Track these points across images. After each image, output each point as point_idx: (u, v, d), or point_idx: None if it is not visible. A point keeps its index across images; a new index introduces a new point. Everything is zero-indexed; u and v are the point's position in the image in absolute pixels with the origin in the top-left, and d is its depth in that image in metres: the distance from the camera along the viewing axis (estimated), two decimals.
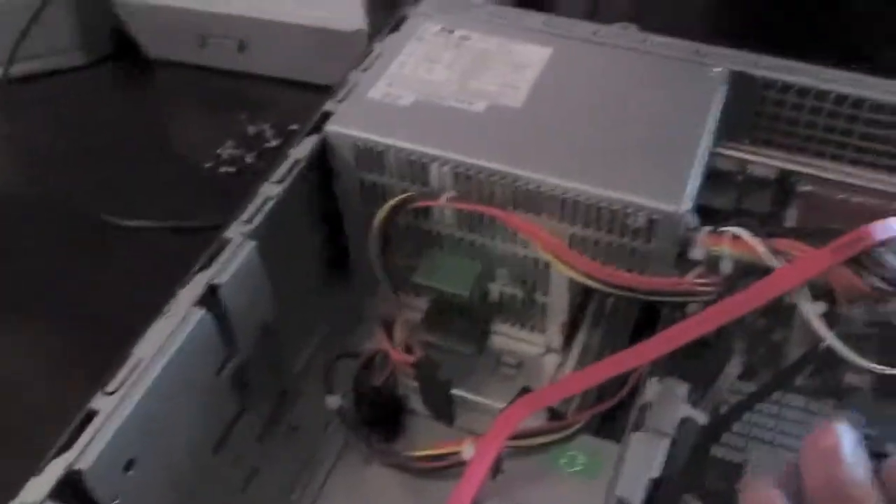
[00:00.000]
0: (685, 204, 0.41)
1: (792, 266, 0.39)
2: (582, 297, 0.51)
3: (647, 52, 0.49)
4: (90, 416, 0.35)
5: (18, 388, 0.54)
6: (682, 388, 0.34)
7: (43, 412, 0.49)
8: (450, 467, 0.43)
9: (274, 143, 0.66)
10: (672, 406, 0.34)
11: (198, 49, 0.73)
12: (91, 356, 0.53)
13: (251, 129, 0.68)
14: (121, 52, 0.76)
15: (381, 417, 0.47)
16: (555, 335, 0.50)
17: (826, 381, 0.47)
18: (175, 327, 0.38)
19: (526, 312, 0.50)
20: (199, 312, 0.39)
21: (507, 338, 0.51)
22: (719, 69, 0.47)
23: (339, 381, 0.48)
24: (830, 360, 0.46)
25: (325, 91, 0.48)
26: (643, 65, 0.48)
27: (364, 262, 0.51)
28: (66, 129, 0.71)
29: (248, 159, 0.65)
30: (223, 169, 0.65)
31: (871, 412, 0.45)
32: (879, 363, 0.40)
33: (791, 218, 0.51)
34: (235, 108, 0.70)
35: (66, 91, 0.74)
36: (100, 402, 0.35)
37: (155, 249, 0.60)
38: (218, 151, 0.66)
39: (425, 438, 0.47)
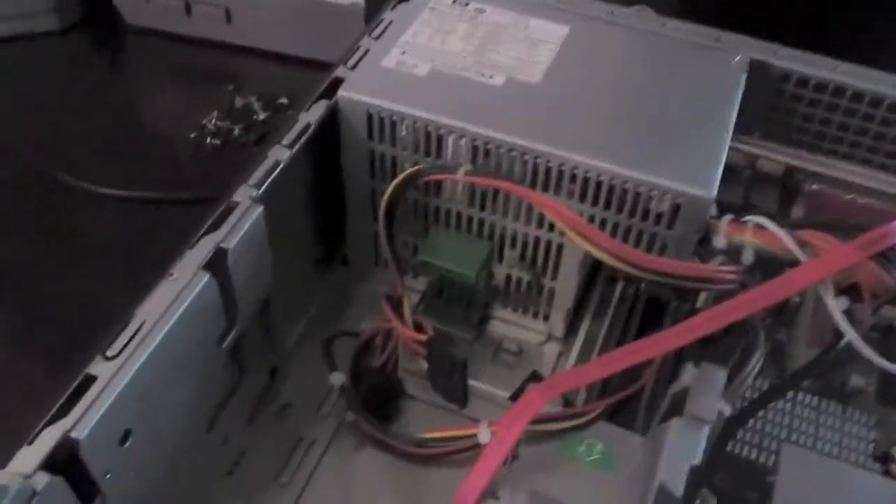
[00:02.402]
0: (713, 189, 0.40)
1: (820, 259, 0.38)
2: (586, 287, 0.49)
3: (666, 36, 0.48)
4: (88, 381, 0.32)
5: None
6: (721, 375, 0.33)
7: None
8: (456, 452, 0.41)
9: (262, 116, 0.64)
10: (711, 392, 0.32)
11: (181, 17, 0.70)
12: (53, 333, 0.50)
13: (238, 102, 0.65)
14: (97, 17, 0.73)
15: (378, 399, 0.45)
16: (558, 323, 0.49)
17: (830, 383, 0.46)
18: (181, 290, 0.35)
19: (530, 298, 0.48)
20: (206, 276, 0.36)
21: (507, 324, 0.50)
22: (739, 57, 0.46)
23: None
24: (837, 361, 0.46)
25: (316, 66, 0.46)
26: (663, 48, 0.47)
27: (360, 240, 0.50)
28: (39, 96, 0.67)
29: (236, 132, 0.62)
30: (209, 140, 0.62)
31: (875, 415, 0.45)
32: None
33: (797, 217, 0.51)
34: (221, 80, 0.67)
35: (40, 56, 0.70)
36: (99, 368, 0.33)
37: (133, 221, 0.57)
38: (203, 122, 0.63)
39: (421, 424, 0.45)
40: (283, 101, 0.64)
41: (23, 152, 0.62)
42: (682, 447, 0.31)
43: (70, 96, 0.67)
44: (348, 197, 0.48)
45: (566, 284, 0.46)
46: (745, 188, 0.51)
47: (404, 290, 0.44)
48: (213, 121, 0.63)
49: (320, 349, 0.46)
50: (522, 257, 0.46)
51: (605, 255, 0.38)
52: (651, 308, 0.49)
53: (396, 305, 0.44)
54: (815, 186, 0.51)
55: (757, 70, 0.47)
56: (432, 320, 0.48)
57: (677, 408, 0.32)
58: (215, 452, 0.42)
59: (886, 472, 0.42)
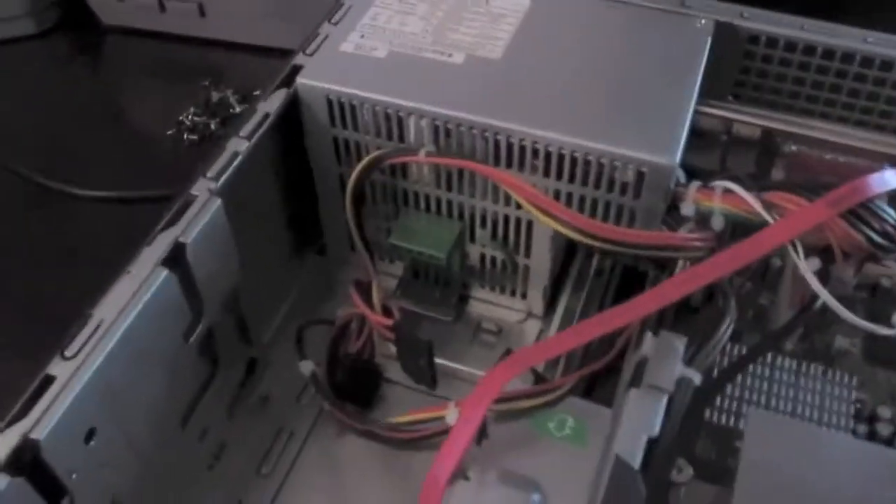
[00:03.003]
0: (676, 156, 0.39)
1: (787, 219, 0.37)
2: (564, 261, 0.49)
3: (629, 3, 0.47)
4: (47, 382, 0.32)
5: None
6: (680, 343, 0.33)
7: None
8: (432, 436, 0.41)
9: (238, 109, 0.63)
10: (670, 361, 0.32)
11: (155, 14, 0.70)
12: (29, 336, 0.50)
13: (214, 96, 0.64)
14: (73, 19, 0.73)
15: (356, 386, 0.45)
16: (536, 300, 0.48)
17: (815, 345, 0.45)
18: (138, 287, 0.35)
19: (506, 276, 0.48)
20: (164, 272, 0.36)
21: (486, 303, 0.49)
22: (704, 21, 0.46)
23: (312, 350, 0.45)
24: (821, 323, 0.45)
25: (290, 55, 0.46)
26: (627, 15, 0.46)
27: (334, 227, 0.49)
28: (18, 100, 0.67)
29: (213, 126, 0.62)
30: (186, 136, 0.62)
31: (861, 376, 0.44)
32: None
33: (776, 179, 0.50)
34: (197, 75, 0.67)
35: (17, 61, 0.70)
36: (57, 368, 0.33)
37: (112, 220, 0.57)
38: (180, 118, 0.63)
39: (402, 408, 0.45)
40: (259, 93, 0.64)
41: (2, 156, 0.62)
42: (640, 417, 0.30)
43: (49, 99, 0.67)
44: (318, 183, 0.48)
45: (540, 261, 0.46)
46: (721, 153, 0.51)
47: (375, 276, 0.44)
48: (190, 116, 0.63)
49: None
50: (494, 236, 0.46)
51: (568, 230, 0.38)
52: (633, 280, 0.48)
53: (366, 291, 0.43)
54: (793, 148, 0.50)
55: (725, 33, 0.46)
56: (410, 304, 0.48)
57: (637, 378, 0.32)
58: (193, 447, 0.42)
59: (872, 433, 0.42)
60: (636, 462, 0.29)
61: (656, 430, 0.30)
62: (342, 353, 0.45)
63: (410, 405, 0.44)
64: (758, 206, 0.38)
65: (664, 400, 0.31)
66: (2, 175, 0.61)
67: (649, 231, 0.39)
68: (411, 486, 0.43)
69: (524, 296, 0.48)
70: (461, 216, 0.45)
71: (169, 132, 0.62)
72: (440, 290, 0.48)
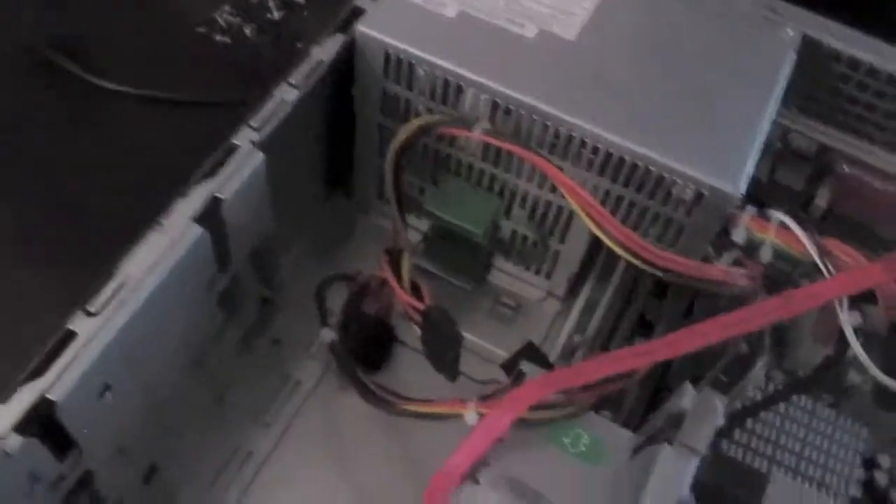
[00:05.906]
0: (741, 184, 0.37)
1: (842, 277, 0.36)
2: (593, 247, 0.48)
3: (716, 3, 0.44)
4: (67, 337, 0.31)
5: None
6: (721, 404, 0.32)
7: None
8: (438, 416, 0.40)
9: (276, 15, 0.60)
10: (709, 421, 0.31)
11: None
12: (57, 242, 0.48)
13: None
14: None
15: (369, 347, 0.44)
16: (560, 282, 0.47)
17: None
18: (170, 245, 0.33)
19: (535, 255, 0.47)
20: (198, 230, 0.34)
21: (508, 276, 0.48)
22: (792, 32, 0.43)
23: (328, 303, 0.44)
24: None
25: None
26: (712, 13, 0.43)
27: (366, 173, 0.48)
28: None
29: (247, 31, 0.59)
30: (218, 37, 0.58)
31: (868, 414, 0.44)
32: (883, 369, 0.38)
33: (822, 198, 0.49)
34: None
35: None
36: (80, 324, 0.31)
37: (137, 118, 0.55)
38: (214, 16, 0.59)
39: (411, 372, 0.45)
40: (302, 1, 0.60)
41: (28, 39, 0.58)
42: (672, 478, 0.30)
43: None
44: (358, 128, 0.45)
45: (573, 249, 0.45)
46: (772, 163, 0.49)
47: (406, 245, 0.42)
48: (225, 15, 0.59)
49: (314, 289, 0.44)
50: (531, 217, 0.44)
51: (615, 245, 0.36)
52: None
53: (396, 261, 0.42)
54: (846, 169, 0.49)
55: (808, 46, 0.44)
56: (433, 265, 0.47)
57: (671, 431, 0.31)
58: (201, 389, 0.41)
59: (871, 480, 0.42)
60: None
61: (686, 491, 0.30)
62: (357, 312, 0.44)
63: (419, 370, 0.44)
64: (814, 253, 0.37)
65: (696, 461, 0.31)
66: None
67: (695, 262, 0.37)
68: (408, 455, 0.43)
69: (549, 276, 0.47)
70: (501, 192, 0.44)
71: (200, 29, 0.59)
72: (465, 256, 0.47)
